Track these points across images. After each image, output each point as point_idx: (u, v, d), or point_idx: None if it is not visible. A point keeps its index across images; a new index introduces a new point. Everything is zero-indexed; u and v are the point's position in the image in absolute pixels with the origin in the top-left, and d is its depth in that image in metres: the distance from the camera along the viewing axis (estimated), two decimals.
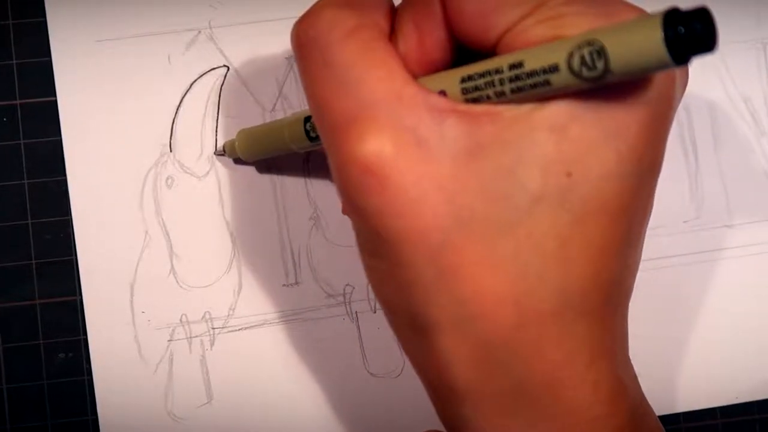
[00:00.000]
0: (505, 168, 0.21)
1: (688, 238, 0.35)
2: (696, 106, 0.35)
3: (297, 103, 0.34)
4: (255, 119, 0.34)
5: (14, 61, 0.34)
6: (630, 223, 0.22)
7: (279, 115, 0.34)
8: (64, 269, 0.34)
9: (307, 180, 0.34)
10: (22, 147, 0.34)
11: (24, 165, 0.34)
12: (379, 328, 0.34)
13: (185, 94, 0.34)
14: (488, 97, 0.21)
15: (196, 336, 0.34)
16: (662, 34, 0.18)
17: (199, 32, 0.34)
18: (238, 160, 0.34)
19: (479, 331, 0.22)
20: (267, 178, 0.34)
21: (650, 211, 0.24)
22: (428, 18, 0.23)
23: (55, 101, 0.33)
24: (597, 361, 0.22)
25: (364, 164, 0.21)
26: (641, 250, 0.24)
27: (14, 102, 0.34)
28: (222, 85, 0.34)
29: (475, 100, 0.22)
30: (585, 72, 0.19)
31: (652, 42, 0.18)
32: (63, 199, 0.34)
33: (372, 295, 0.34)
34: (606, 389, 0.22)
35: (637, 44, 0.19)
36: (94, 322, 0.33)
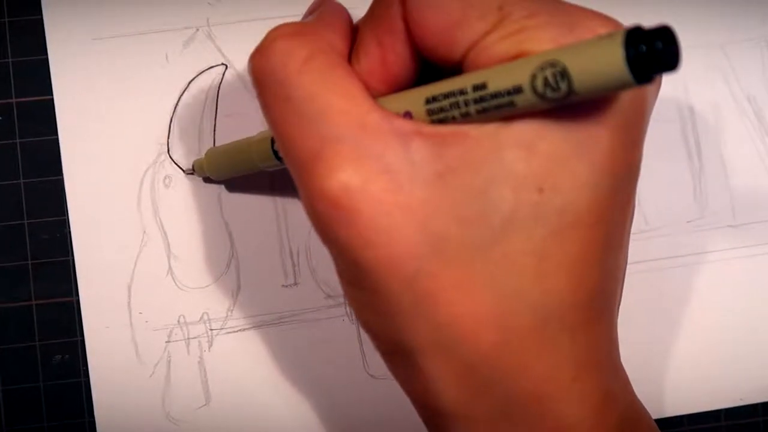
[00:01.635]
0: (476, 189, 0.21)
1: (692, 238, 0.35)
2: (700, 104, 0.35)
3: None
4: (254, 118, 0.34)
5: (10, 60, 0.34)
6: (608, 231, 0.22)
7: None
8: (60, 270, 0.33)
9: None
10: (18, 146, 0.33)
11: (20, 164, 0.33)
12: None
13: (183, 92, 0.34)
14: (454, 118, 0.21)
15: (194, 337, 0.33)
16: (623, 53, 0.18)
17: (197, 30, 0.34)
18: (207, 179, 0.34)
19: (461, 353, 0.22)
20: (266, 178, 0.34)
21: (631, 216, 0.24)
22: (390, 34, 0.22)
23: (52, 100, 0.33)
24: (582, 374, 0.22)
25: (331, 199, 0.21)
26: (626, 256, 0.24)
27: (10, 101, 0.34)
28: (220, 84, 0.34)
29: (441, 121, 0.21)
30: (549, 93, 0.19)
31: (613, 62, 0.18)
32: (59, 199, 0.33)
33: None
34: (593, 401, 0.22)
35: (599, 64, 0.18)
36: (91, 324, 0.33)
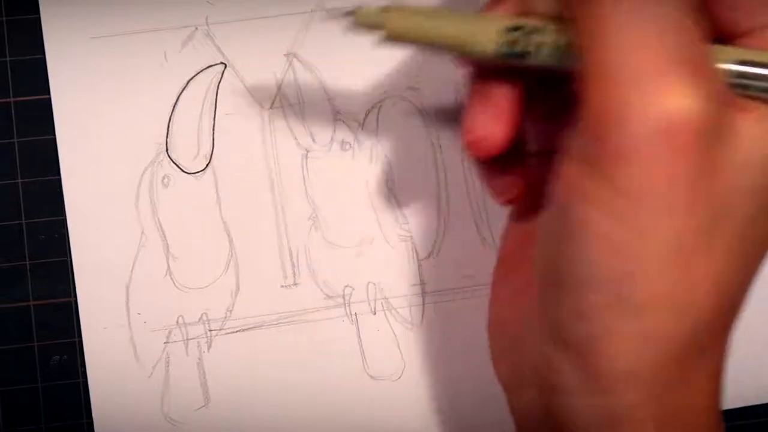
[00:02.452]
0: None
1: None
2: None
3: (296, 101, 0.34)
4: (253, 117, 0.34)
5: (8, 59, 0.33)
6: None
7: (278, 114, 0.34)
8: (58, 270, 0.33)
9: (306, 179, 0.34)
10: (16, 146, 0.33)
11: (18, 164, 0.33)
12: (378, 330, 0.34)
13: (182, 91, 0.34)
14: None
15: (193, 338, 0.33)
16: None
17: (196, 29, 0.34)
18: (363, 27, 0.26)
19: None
20: (265, 177, 0.34)
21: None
22: None
23: (50, 99, 0.33)
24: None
25: (665, 121, 0.19)
26: None
27: (8, 100, 0.33)
28: (219, 83, 0.34)
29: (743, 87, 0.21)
30: None
31: None
32: (57, 199, 0.33)
33: (372, 297, 0.34)
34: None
35: None
36: (89, 324, 0.33)
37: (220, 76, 0.34)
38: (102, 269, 0.33)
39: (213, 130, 0.34)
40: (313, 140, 0.34)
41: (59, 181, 0.33)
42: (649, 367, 0.20)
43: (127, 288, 0.33)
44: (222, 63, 0.34)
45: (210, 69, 0.34)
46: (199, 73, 0.34)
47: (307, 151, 0.34)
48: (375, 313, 0.34)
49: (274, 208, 0.34)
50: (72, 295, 0.33)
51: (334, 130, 0.34)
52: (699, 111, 0.19)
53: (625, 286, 0.20)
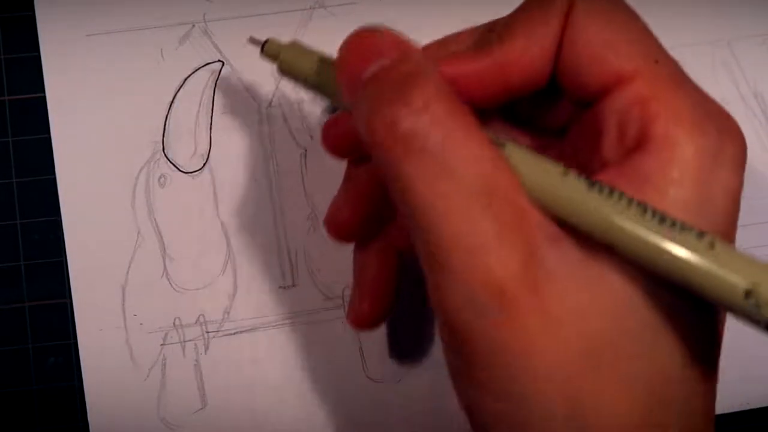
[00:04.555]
0: (629, 302, 0.20)
1: None
2: None
3: (295, 99, 0.34)
4: (251, 116, 0.34)
5: (2, 56, 0.33)
6: None
7: (276, 113, 0.34)
8: (53, 271, 0.33)
9: (305, 178, 0.34)
10: (11, 144, 0.33)
11: (12, 163, 0.33)
12: (378, 332, 0.33)
13: (178, 90, 0.34)
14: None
15: (190, 340, 0.33)
16: None
17: (193, 26, 0.34)
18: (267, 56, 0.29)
19: None
20: (263, 176, 0.34)
21: None
22: (544, 27, 0.22)
23: (44, 97, 0.33)
24: None
25: (496, 289, 0.19)
26: None
27: (2, 98, 0.33)
28: (217, 81, 0.34)
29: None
30: (752, 311, 0.19)
31: None
32: (52, 199, 0.33)
33: None
34: None
35: None
36: (84, 326, 0.33)
37: (217, 74, 0.34)
38: (98, 270, 0.33)
39: (210, 128, 0.34)
40: (312, 139, 0.34)
41: (54, 180, 0.33)
42: None
43: (123, 289, 0.33)
44: (219, 61, 0.34)
45: (207, 67, 0.34)
46: (196, 70, 0.34)
47: (306, 150, 0.34)
48: None
49: (273, 208, 0.34)
50: (67, 296, 0.33)
51: None
52: (513, 276, 0.19)
53: None
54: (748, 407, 0.34)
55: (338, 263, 0.34)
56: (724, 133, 0.21)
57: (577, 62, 0.21)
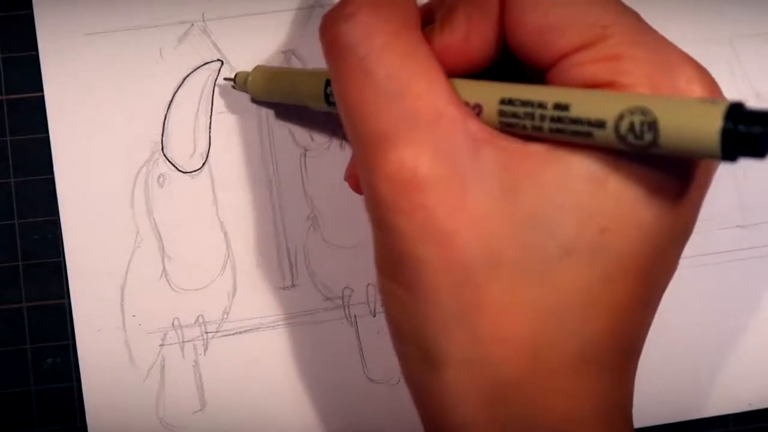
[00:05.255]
0: (539, 215, 0.20)
1: (699, 239, 0.34)
2: None
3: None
4: (250, 115, 0.33)
5: (0, 55, 0.33)
6: (655, 285, 0.22)
7: (276, 112, 0.34)
8: (51, 271, 0.33)
9: (305, 178, 0.34)
10: (9, 144, 0.33)
11: (10, 163, 0.33)
12: (378, 333, 0.33)
13: (178, 89, 0.33)
14: (524, 127, 0.21)
15: (189, 340, 0.33)
16: (721, 127, 0.18)
17: (192, 25, 0.34)
18: (244, 90, 0.33)
19: (492, 373, 0.21)
20: (263, 176, 0.33)
21: (672, 276, 0.24)
22: (482, 14, 0.22)
23: (43, 97, 0.33)
24: (607, 419, 0.22)
25: (398, 182, 0.21)
26: (656, 311, 0.24)
27: (0, 97, 0.33)
28: (216, 80, 0.34)
29: (510, 125, 0.21)
30: (630, 138, 0.19)
31: (708, 132, 0.18)
32: (51, 199, 0.33)
33: (372, 299, 0.34)
34: None
35: (693, 130, 0.18)
36: (82, 326, 0.33)
37: (216, 73, 0.34)
38: (96, 270, 0.33)
39: (209, 128, 0.33)
40: (312, 139, 0.34)
41: (53, 180, 0.33)
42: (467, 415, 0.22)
43: (122, 289, 0.33)
44: (219, 60, 0.34)
45: (206, 66, 0.34)
46: (195, 70, 0.34)
47: (306, 150, 0.34)
48: (375, 315, 0.33)
49: (272, 208, 0.34)
50: (66, 296, 0.33)
51: (333, 129, 0.34)
52: (426, 167, 0.20)
53: (426, 345, 0.22)
54: (750, 408, 0.34)
55: (338, 263, 0.34)
56: (692, 82, 0.21)
57: (521, 44, 0.22)
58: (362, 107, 0.22)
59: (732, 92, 0.35)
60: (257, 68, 0.32)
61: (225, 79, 0.33)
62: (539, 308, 0.21)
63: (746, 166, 0.35)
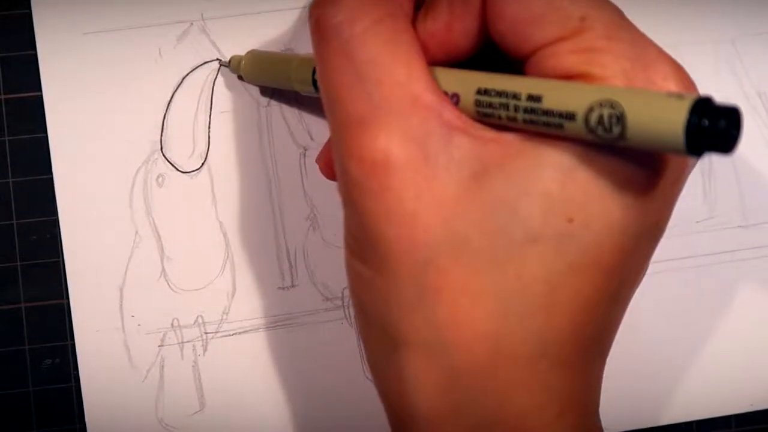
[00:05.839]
0: (507, 201, 0.21)
1: (701, 239, 0.34)
2: None
3: (293, 97, 0.33)
4: (249, 115, 0.33)
5: None
6: (622, 281, 0.22)
7: (274, 111, 0.34)
8: (50, 271, 0.33)
9: (304, 178, 0.34)
10: (7, 144, 0.33)
11: (9, 162, 0.33)
12: None
13: (176, 88, 0.33)
14: (499, 117, 0.21)
15: (188, 341, 0.33)
16: (686, 121, 0.18)
17: (191, 24, 0.33)
18: (240, 78, 0.33)
19: (451, 360, 0.21)
20: (262, 176, 0.33)
21: (643, 275, 0.24)
22: (464, 5, 0.22)
23: (41, 96, 0.33)
24: (567, 413, 0.22)
25: (370, 164, 0.21)
26: (625, 310, 0.24)
27: None
28: (215, 80, 0.33)
29: (486, 115, 0.21)
30: (599, 130, 0.19)
31: (673, 126, 0.18)
32: (49, 199, 0.33)
33: None
34: None
35: (658, 123, 0.18)
36: (81, 327, 0.33)
37: (215, 72, 0.33)
38: (95, 270, 0.33)
39: (209, 128, 0.33)
40: (312, 138, 0.34)
41: (51, 180, 0.33)
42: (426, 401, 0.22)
43: (121, 290, 0.33)
44: (218, 59, 0.33)
45: (206, 65, 0.34)
46: (194, 69, 0.33)
47: (305, 150, 0.34)
48: None
49: (272, 208, 0.33)
50: (64, 297, 0.33)
51: None
52: (397, 151, 0.21)
53: (388, 327, 0.22)
54: (752, 409, 0.34)
55: (338, 263, 0.33)
56: (668, 79, 0.21)
57: (501, 34, 0.22)
58: (341, 90, 0.22)
59: (733, 92, 0.35)
60: (251, 52, 0.33)
61: (219, 62, 0.33)
62: (501, 296, 0.21)
63: (746, 166, 0.35)
